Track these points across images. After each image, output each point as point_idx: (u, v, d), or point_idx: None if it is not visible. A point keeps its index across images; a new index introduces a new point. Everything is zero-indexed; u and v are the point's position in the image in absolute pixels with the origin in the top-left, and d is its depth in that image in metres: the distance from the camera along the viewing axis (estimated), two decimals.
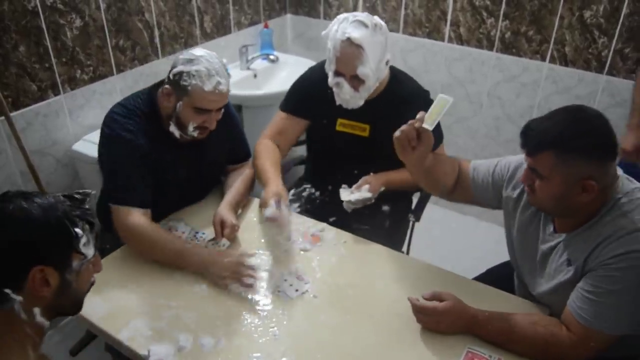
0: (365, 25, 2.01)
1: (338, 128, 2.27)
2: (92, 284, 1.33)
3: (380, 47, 2.06)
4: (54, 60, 2.44)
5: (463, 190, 1.92)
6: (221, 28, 3.32)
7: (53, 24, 2.39)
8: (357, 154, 2.27)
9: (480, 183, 1.86)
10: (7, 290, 1.15)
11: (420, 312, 1.65)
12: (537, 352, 1.56)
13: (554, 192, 1.53)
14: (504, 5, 3.03)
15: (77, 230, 1.21)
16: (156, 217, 2.05)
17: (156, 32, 2.89)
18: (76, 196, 1.27)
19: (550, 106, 2.82)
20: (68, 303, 1.27)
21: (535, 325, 1.57)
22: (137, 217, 1.93)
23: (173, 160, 2.09)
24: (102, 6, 2.57)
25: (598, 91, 2.93)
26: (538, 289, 1.72)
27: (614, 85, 2.90)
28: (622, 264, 1.46)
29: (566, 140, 1.47)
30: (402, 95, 2.20)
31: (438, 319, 1.63)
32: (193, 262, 1.87)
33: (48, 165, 2.55)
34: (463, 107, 3.42)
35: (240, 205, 2.20)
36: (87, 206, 1.27)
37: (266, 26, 3.60)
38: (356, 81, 2.08)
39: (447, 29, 3.28)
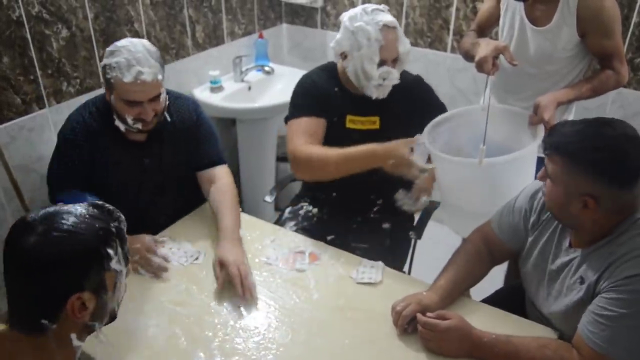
0: (382, 10, 2.16)
1: (348, 125, 2.29)
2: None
3: None
4: (39, 72, 2.46)
5: (502, 255, 1.92)
6: (214, 38, 3.35)
7: (38, 35, 2.41)
8: None
9: (511, 234, 1.86)
10: (44, 321, 1.16)
11: (423, 326, 1.66)
12: None
13: (557, 198, 1.56)
14: None
15: (110, 250, 1.23)
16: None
17: None
18: (107, 207, 1.28)
19: None
20: (103, 319, 1.29)
21: (544, 349, 1.57)
22: None
23: (121, 159, 2.13)
24: (90, 16, 2.59)
25: (607, 103, 2.95)
26: (548, 308, 1.72)
27: (624, 96, 2.92)
28: (635, 287, 1.46)
29: (576, 151, 1.49)
30: (400, 82, 2.24)
31: (441, 336, 1.63)
32: None
33: (32, 181, 2.55)
34: None
35: (239, 225, 2.15)
36: (118, 216, 1.29)
37: (261, 36, 3.62)
38: (395, 63, 2.20)
39: (449, 39, 3.30)
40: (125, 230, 1.30)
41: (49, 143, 2.57)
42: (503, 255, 1.93)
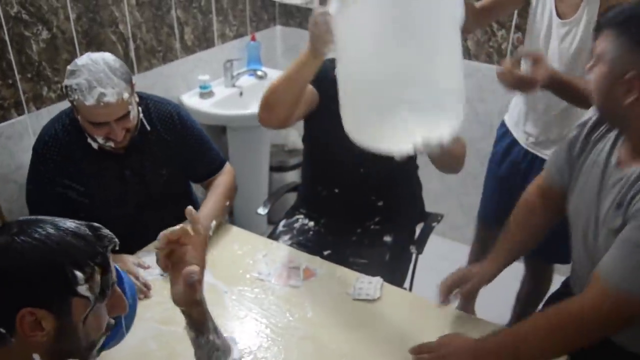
0: None
1: None
2: (109, 326, 1.30)
3: None
4: (17, 76, 2.43)
5: (557, 203, 1.85)
6: (203, 41, 3.33)
7: (17, 36, 2.39)
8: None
9: (564, 168, 1.80)
10: (2, 330, 1.14)
11: (421, 351, 1.64)
12: (557, 339, 1.49)
13: (602, 83, 1.51)
14: (515, 17, 3.04)
15: (78, 273, 1.17)
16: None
17: (131, 45, 2.89)
18: (102, 232, 1.23)
19: None
20: (75, 348, 1.24)
21: (545, 312, 1.61)
22: None
23: (99, 173, 2.11)
24: (72, 16, 2.57)
25: None
26: (599, 250, 1.61)
27: None
28: None
29: (624, 21, 1.46)
30: None
31: (445, 351, 1.61)
32: None
33: (10, 192, 2.53)
34: (472, 128, 3.40)
35: (215, 217, 2.12)
36: (107, 244, 1.23)
37: (253, 39, 3.61)
38: None
39: None
40: (109, 259, 1.25)
41: (28, 151, 2.53)
42: (559, 204, 1.83)
